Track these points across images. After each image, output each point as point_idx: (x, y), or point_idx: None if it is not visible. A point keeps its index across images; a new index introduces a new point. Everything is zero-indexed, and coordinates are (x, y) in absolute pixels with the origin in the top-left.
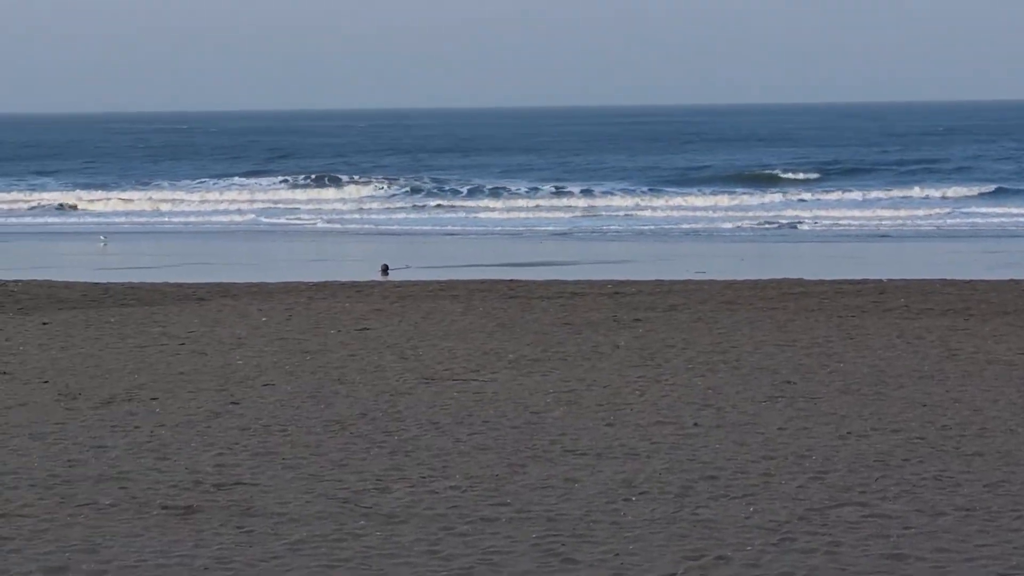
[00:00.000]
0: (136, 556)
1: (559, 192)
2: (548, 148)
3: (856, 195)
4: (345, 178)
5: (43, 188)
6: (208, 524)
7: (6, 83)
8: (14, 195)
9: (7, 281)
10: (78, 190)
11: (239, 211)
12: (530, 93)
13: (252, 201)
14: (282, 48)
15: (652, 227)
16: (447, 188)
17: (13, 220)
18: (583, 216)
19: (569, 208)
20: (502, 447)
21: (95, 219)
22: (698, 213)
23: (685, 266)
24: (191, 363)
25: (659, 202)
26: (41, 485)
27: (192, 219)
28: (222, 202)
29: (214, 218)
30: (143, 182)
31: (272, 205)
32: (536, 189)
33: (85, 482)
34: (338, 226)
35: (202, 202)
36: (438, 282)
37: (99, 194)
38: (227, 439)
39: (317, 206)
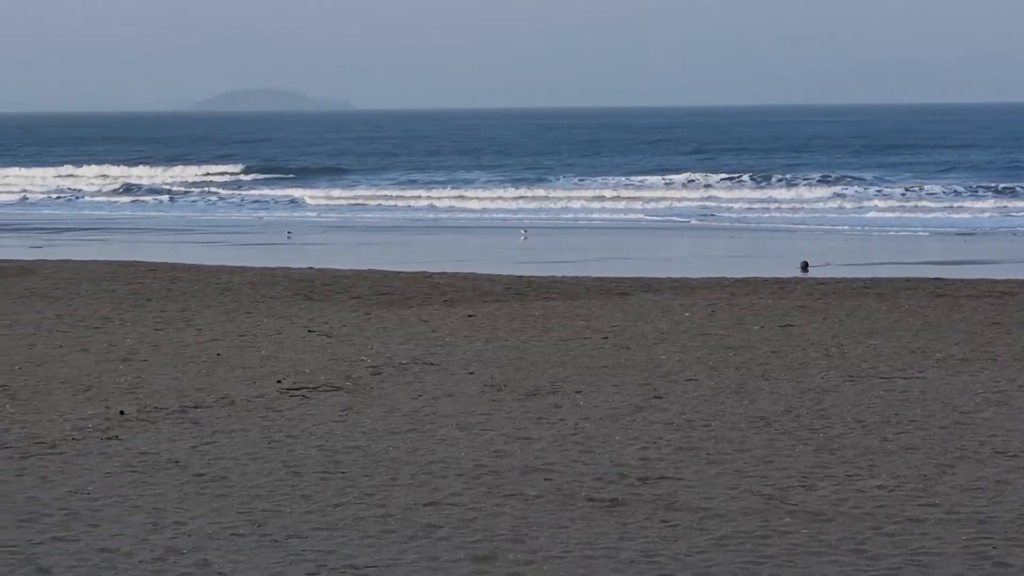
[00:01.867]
0: (562, 547)
1: (996, 192)
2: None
3: None
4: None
5: (469, 184)
6: (633, 517)
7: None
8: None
9: (433, 273)
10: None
11: (671, 209)
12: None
13: (679, 199)
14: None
15: None
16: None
17: (443, 216)
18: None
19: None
20: (930, 447)
21: (505, 216)
22: None
23: None
24: (614, 357)
25: None
26: (468, 475)
27: (605, 215)
28: (636, 200)
29: (627, 215)
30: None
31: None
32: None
33: (511, 472)
34: (742, 224)
35: (613, 199)
36: (861, 279)
37: (520, 191)
38: (651, 433)
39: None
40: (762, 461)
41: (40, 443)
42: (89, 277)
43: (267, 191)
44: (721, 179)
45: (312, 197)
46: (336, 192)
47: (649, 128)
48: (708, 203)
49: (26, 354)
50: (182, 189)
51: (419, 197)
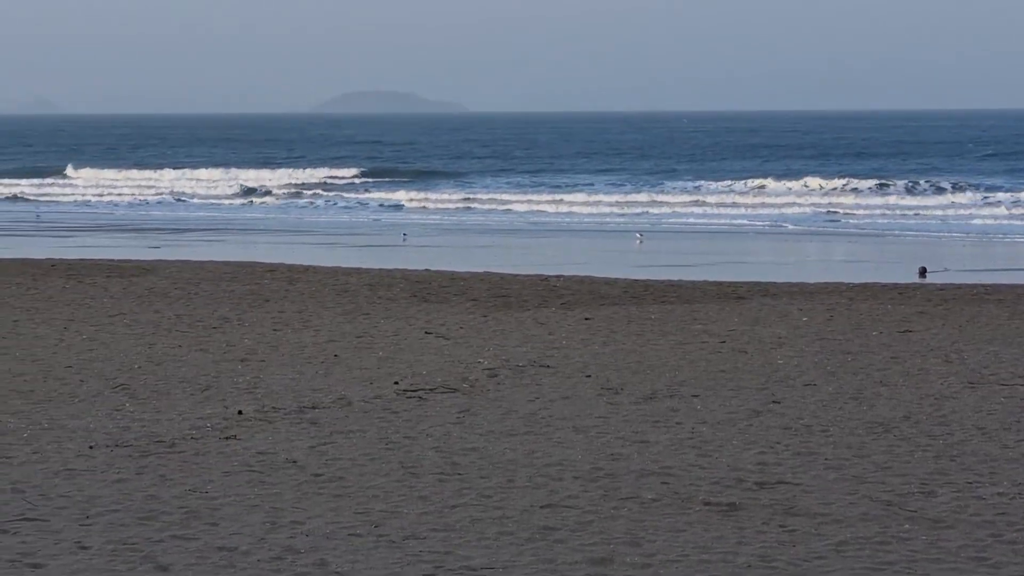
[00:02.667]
0: (679, 551)
1: None
2: None
3: None
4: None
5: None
6: (750, 522)
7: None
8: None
9: (549, 276)
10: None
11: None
12: None
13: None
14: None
15: None
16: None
17: (557, 219)
18: None
19: None
20: None
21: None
22: None
23: None
24: (732, 361)
25: None
26: (585, 477)
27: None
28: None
29: (736, 221)
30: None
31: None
32: None
33: (628, 476)
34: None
35: (727, 205)
36: (981, 285)
37: (637, 195)
38: (768, 438)
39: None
40: (881, 467)
41: (159, 442)
42: (208, 277)
43: (383, 194)
44: (842, 184)
45: (428, 200)
46: (453, 195)
47: (771, 131)
48: (827, 208)
49: (146, 353)
50: (298, 191)
51: (532, 200)
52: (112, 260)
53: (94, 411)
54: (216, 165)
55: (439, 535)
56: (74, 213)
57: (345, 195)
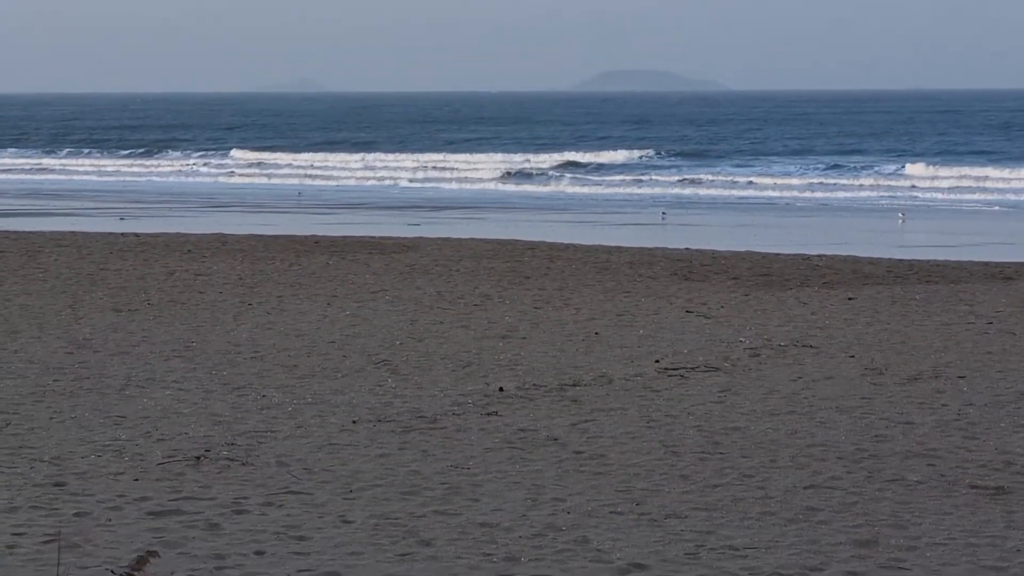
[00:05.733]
0: (945, 534)
1: None
2: None
3: None
4: None
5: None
6: (1020, 506)
7: None
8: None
9: (811, 256)
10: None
11: None
12: None
13: None
14: None
15: None
16: None
17: (816, 196)
18: None
19: None
20: None
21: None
22: None
23: None
24: (999, 343)
25: None
26: (849, 458)
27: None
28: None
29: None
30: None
31: None
32: None
33: (892, 457)
34: None
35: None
36: None
37: (902, 172)
38: None
39: None
40: None
41: (421, 417)
42: (468, 254)
43: (660, 176)
44: None
45: (703, 179)
46: (720, 174)
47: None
48: None
49: (408, 329)
50: (557, 172)
51: (790, 176)
52: (373, 237)
53: (357, 386)
54: (486, 150)
55: (701, 514)
56: (334, 192)
57: (611, 177)
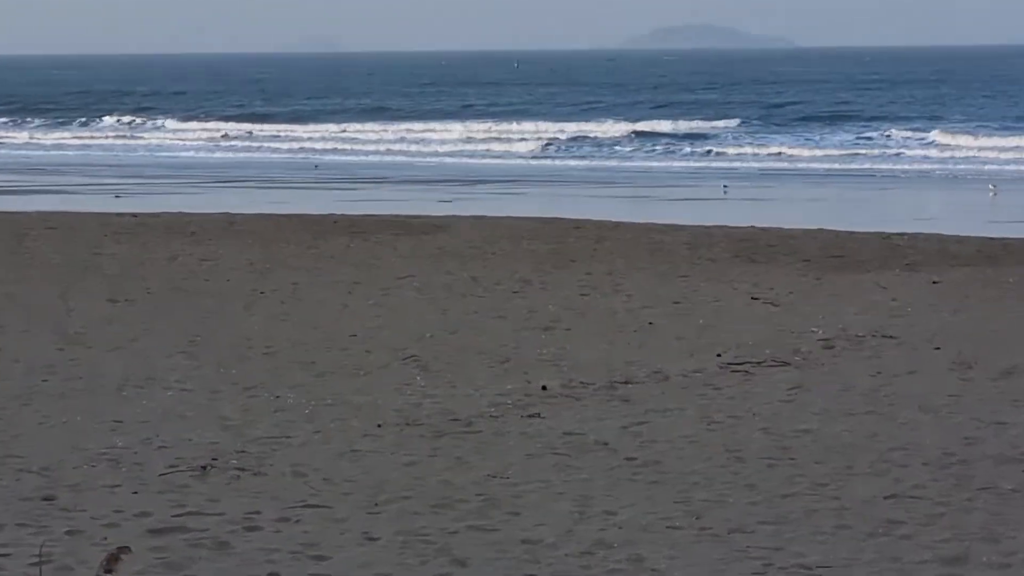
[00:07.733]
0: None
1: None
2: None
3: None
4: None
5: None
6: None
7: None
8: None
9: (891, 234)
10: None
11: None
12: None
13: None
14: None
15: None
16: None
17: (900, 166)
18: None
19: None
20: None
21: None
22: None
23: None
24: None
25: None
26: (935, 464)
27: None
28: None
29: None
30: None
31: None
32: None
33: (984, 462)
34: None
35: None
36: None
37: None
38: None
39: None
40: None
41: (455, 420)
42: (506, 235)
43: (749, 149)
44: None
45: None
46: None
47: None
48: None
49: (438, 320)
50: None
51: (870, 140)
52: (399, 216)
53: (382, 385)
54: (525, 118)
55: (768, 528)
56: (350, 164)
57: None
